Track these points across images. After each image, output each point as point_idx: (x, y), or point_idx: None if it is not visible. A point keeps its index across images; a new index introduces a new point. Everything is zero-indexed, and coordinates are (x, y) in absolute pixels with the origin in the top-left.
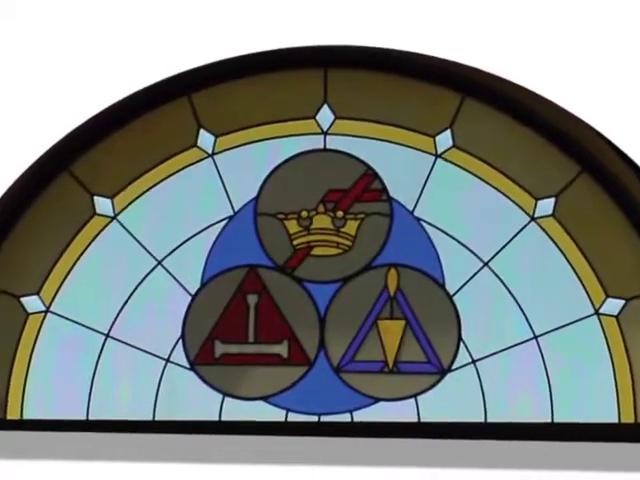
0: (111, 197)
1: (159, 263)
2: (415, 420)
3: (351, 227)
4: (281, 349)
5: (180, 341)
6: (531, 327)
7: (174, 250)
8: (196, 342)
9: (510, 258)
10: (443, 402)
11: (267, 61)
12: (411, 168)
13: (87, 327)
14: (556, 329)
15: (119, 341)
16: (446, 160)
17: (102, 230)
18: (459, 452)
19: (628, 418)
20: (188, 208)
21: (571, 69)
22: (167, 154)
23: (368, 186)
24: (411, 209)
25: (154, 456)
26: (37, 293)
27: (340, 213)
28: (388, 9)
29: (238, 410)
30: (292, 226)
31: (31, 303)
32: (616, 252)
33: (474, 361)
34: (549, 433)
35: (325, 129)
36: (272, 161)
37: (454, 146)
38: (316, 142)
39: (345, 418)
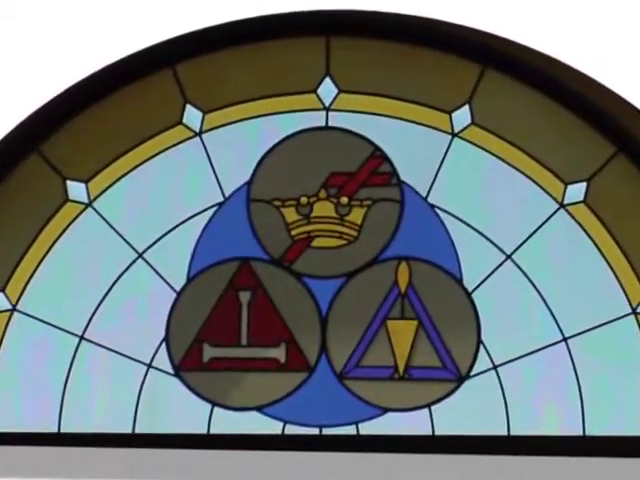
0: (86, 181)
1: (140, 256)
2: (429, 433)
3: (357, 215)
4: (278, 353)
5: (163, 344)
6: (560, 328)
7: (157, 241)
8: (182, 345)
9: (536, 250)
10: (460, 413)
11: (261, 28)
12: (424, 148)
13: (59, 328)
14: (588, 330)
15: (95, 344)
16: (464, 139)
17: (76, 218)
18: (478, 469)
19: None
20: (173, 194)
21: (605, 37)
22: (148, 133)
23: (376, 169)
24: (424, 195)
25: (134, 474)
26: (2, 290)
27: (344, 199)
28: None
29: (229, 422)
30: (290, 214)
31: None
32: None
33: (495, 366)
34: (580, 448)
35: (327, 104)
36: (267, 141)
37: (473, 123)
38: (317, 119)
39: (350, 430)
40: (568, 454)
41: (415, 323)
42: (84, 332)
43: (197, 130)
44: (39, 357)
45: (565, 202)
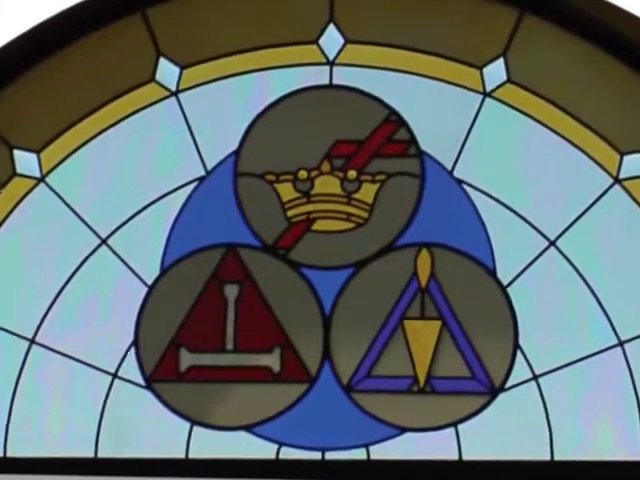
0: (37, 151)
1: (103, 242)
2: (455, 457)
3: (367, 192)
4: (271, 360)
5: (132, 349)
6: (615, 330)
7: (124, 224)
8: (154, 351)
9: (586, 235)
10: (493, 433)
11: None
12: (450, 111)
13: (5, 330)
14: None
15: (49, 349)
16: (498, 100)
17: (25, 196)
18: None
19: None
20: (143, 166)
21: None
22: (114, 92)
23: (391, 136)
24: (449, 168)
25: None
26: None
27: (352, 173)
28: None
29: (212, 444)
30: (286, 191)
31: None
32: None
33: (536, 377)
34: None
35: (331, 58)
36: (258, 102)
37: (509, 81)
38: (319, 75)
39: (359, 455)
40: None
41: (438, 324)
42: (35, 335)
43: (173, 89)
44: None
45: (621, 176)
